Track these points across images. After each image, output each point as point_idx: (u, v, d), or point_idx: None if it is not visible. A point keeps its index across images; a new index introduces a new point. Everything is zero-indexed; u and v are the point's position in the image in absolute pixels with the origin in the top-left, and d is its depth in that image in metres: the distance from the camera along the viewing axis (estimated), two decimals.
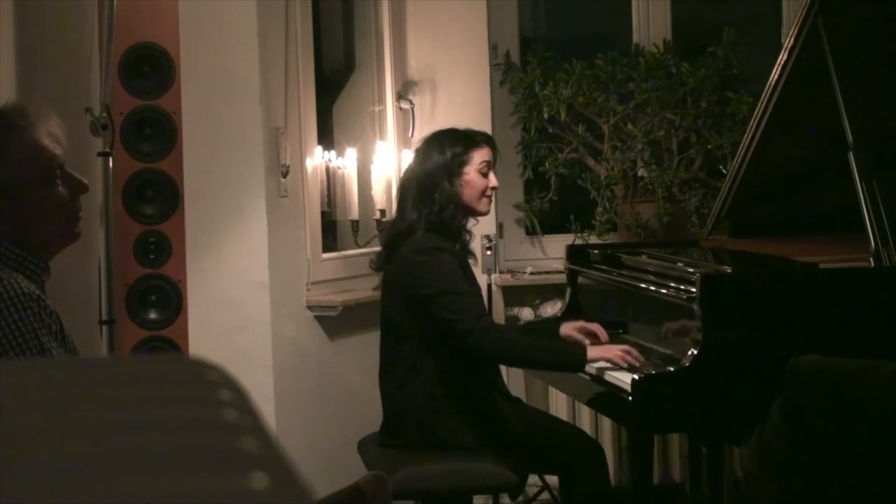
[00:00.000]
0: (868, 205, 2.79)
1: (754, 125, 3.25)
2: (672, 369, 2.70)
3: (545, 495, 4.05)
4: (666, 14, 4.47)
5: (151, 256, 3.01)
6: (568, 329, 3.16)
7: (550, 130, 4.42)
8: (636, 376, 2.70)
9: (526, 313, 4.28)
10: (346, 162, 4.08)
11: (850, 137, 2.89)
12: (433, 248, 2.98)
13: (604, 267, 3.43)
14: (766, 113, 3.18)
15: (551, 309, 4.18)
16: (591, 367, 2.94)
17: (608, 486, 3.10)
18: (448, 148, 3.05)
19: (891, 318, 2.71)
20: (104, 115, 2.78)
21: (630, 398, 2.69)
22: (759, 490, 2.56)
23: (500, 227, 4.44)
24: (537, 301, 4.33)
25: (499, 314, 4.28)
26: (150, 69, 3.00)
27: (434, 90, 4.42)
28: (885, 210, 2.78)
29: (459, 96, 4.42)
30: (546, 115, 4.32)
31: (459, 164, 3.05)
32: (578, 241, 4.30)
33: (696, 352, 2.66)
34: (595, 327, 3.12)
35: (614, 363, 2.85)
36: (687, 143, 4.32)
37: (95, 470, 0.44)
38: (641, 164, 4.29)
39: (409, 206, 3.05)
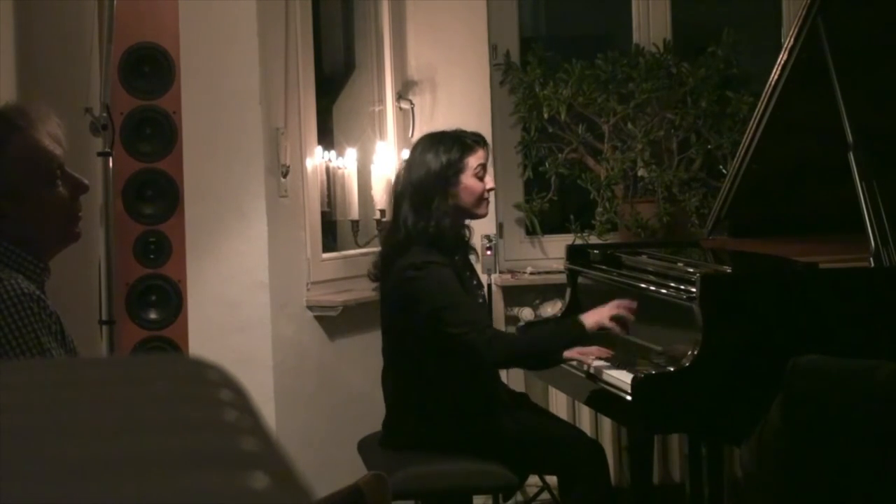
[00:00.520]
0: (868, 205, 2.79)
1: (754, 125, 3.25)
2: (672, 369, 2.70)
3: (545, 495, 4.05)
4: (666, 14, 4.47)
5: (151, 256, 3.01)
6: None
7: (550, 130, 4.42)
8: (636, 376, 2.71)
9: (526, 313, 4.28)
10: (346, 162, 4.08)
11: (850, 137, 2.89)
12: (426, 262, 2.93)
13: (604, 267, 3.43)
14: (766, 113, 3.18)
15: (551, 309, 4.18)
16: (591, 367, 2.94)
17: (608, 486, 3.10)
18: (442, 155, 3.00)
19: (891, 318, 2.71)
20: (104, 115, 2.77)
21: (630, 398, 2.69)
22: (759, 490, 2.56)
23: (500, 227, 4.44)
24: (537, 301, 4.33)
25: (499, 314, 4.28)
26: (150, 69, 3.00)
27: (434, 90, 4.42)
28: (885, 210, 2.78)
29: (459, 96, 4.41)
30: (546, 115, 4.32)
31: (455, 171, 3.00)
32: (578, 241, 4.30)
33: (696, 352, 2.66)
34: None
35: (614, 318, 2.88)
36: (687, 143, 4.32)
37: (95, 470, 0.44)
38: (641, 164, 4.29)
39: (404, 217, 3.00)
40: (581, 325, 2.90)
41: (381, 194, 4.07)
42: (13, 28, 3.07)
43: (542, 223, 4.48)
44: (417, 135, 4.05)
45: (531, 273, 4.35)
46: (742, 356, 2.67)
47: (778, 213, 3.53)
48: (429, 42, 4.43)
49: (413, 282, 2.93)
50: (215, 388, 0.54)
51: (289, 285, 3.69)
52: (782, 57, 3.10)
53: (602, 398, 2.96)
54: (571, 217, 4.43)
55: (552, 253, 4.43)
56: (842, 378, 2.40)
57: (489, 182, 3.08)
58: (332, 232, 4.28)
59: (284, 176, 3.63)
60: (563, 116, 4.32)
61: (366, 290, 3.87)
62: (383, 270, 3.07)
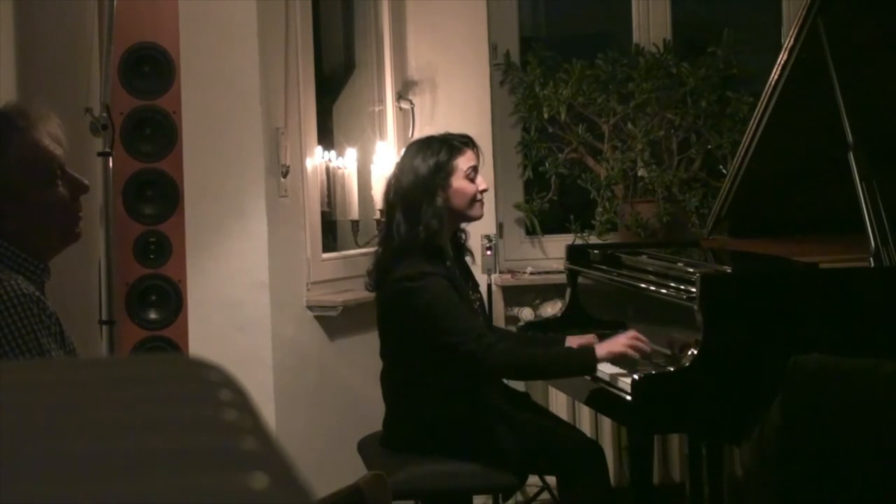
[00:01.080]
0: (868, 205, 2.79)
1: (754, 125, 3.25)
2: (672, 369, 2.70)
3: (545, 495, 4.05)
4: (666, 14, 4.47)
5: (151, 256, 3.01)
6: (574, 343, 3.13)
7: (550, 130, 4.42)
8: (636, 376, 2.71)
9: (526, 313, 4.28)
10: (346, 162, 4.08)
11: (850, 137, 2.89)
12: (422, 273, 2.91)
13: (604, 267, 3.43)
14: (766, 113, 3.18)
15: (551, 309, 4.18)
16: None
17: (608, 486, 3.10)
18: (430, 159, 2.98)
19: (891, 318, 2.71)
20: (104, 115, 2.77)
21: (630, 398, 2.69)
22: (759, 489, 2.57)
23: (500, 227, 4.44)
24: (537, 301, 4.33)
25: (499, 314, 4.28)
26: (150, 69, 3.00)
27: (434, 90, 4.42)
28: (885, 210, 2.78)
29: (459, 96, 4.41)
30: (546, 115, 4.32)
31: (445, 175, 2.98)
32: (578, 241, 4.30)
33: (696, 352, 2.66)
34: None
35: (625, 355, 2.85)
36: (687, 143, 4.32)
37: (95, 470, 0.44)
38: (641, 164, 4.29)
39: (397, 225, 2.99)
40: (592, 356, 2.86)
41: (380, 194, 4.07)
42: (13, 28, 3.07)
43: (542, 223, 4.48)
44: (417, 135, 4.05)
45: (531, 273, 4.35)
46: (742, 356, 2.67)
47: (778, 213, 3.54)
48: (429, 42, 4.43)
49: (409, 293, 2.92)
50: (215, 388, 0.54)
51: (289, 285, 3.69)
52: (782, 57, 3.10)
53: (602, 398, 2.95)
54: (571, 217, 4.43)
55: (552, 253, 4.43)
56: (842, 378, 2.40)
57: (481, 183, 3.06)
58: (332, 232, 4.28)
59: (284, 176, 3.63)
60: (563, 116, 4.32)
61: (365, 291, 3.87)
62: (378, 280, 3.05)
